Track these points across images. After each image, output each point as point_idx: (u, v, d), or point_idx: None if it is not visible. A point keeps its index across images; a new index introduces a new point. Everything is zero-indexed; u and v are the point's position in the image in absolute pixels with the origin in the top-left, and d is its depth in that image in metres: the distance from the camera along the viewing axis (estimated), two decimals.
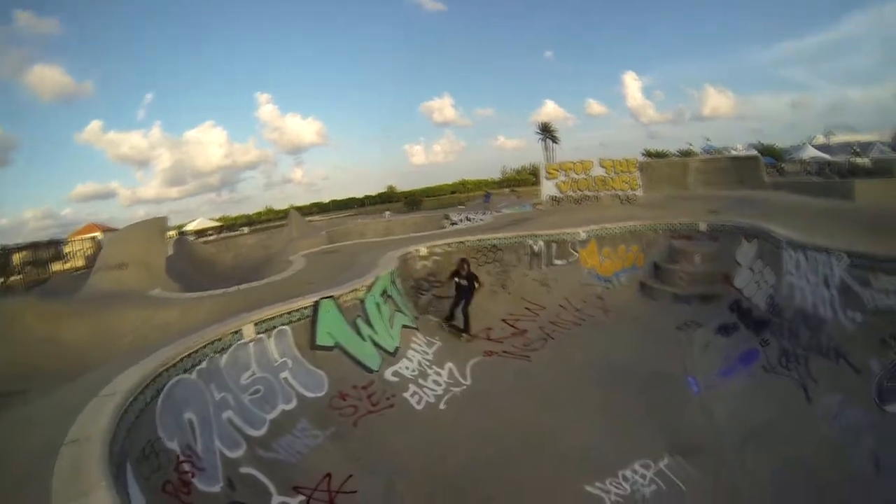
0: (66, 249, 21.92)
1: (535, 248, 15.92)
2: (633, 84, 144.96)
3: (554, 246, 15.99)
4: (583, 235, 16.16)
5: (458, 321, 14.03)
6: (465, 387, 11.30)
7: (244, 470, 7.10)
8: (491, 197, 46.64)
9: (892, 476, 7.11)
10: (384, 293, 12.32)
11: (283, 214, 44.65)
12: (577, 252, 16.13)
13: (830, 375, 9.18)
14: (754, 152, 41.00)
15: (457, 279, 14.09)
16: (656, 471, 8.50)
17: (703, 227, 15.64)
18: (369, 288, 11.91)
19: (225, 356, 8.44)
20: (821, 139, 56.99)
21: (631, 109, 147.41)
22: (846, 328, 9.41)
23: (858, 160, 37.89)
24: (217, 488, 6.55)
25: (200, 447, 6.82)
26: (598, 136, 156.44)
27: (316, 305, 10.47)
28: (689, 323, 12.64)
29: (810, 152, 47.06)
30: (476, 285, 13.95)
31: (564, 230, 16.35)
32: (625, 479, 8.39)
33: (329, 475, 7.74)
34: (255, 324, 9.27)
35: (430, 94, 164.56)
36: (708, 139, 57.60)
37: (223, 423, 7.50)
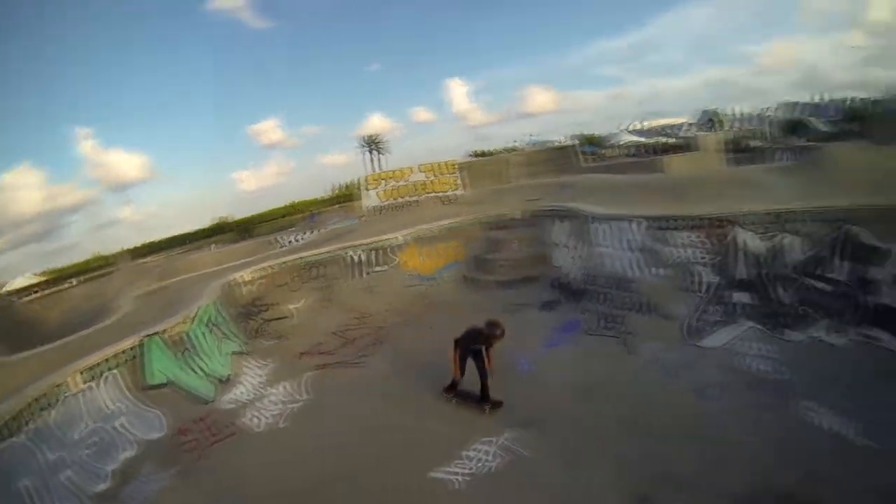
0: None
1: (356, 258, 16.69)
2: (458, 89, 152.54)
3: (374, 254, 16.87)
4: (401, 240, 17.32)
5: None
6: (302, 402, 11.88)
7: None
8: (316, 217, 46.70)
9: (712, 399, 9.25)
10: (209, 322, 13.19)
11: (115, 260, 41.91)
12: (396, 256, 17.15)
13: (646, 327, 11.32)
14: (572, 142, 44.95)
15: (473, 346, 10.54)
16: (499, 445, 9.09)
17: (518, 215, 17.34)
18: (192, 319, 12.59)
19: (53, 412, 8.62)
20: (637, 125, 63.16)
21: (457, 114, 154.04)
22: (652, 283, 11.74)
23: (668, 140, 42.91)
24: None
25: None
26: (426, 142, 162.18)
27: (141, 344, 10.93)
28: (515, 305, 14.14)
29: (627, 137, 52.81)
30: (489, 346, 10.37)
31: (383, 237, 17.74)
32: (469, 458, 8.87)
33: None
34: (81, 373, 9.52)
35: (257, 116, 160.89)
36: (531, 135, 62.02)
37: (62, 486, 7.71)
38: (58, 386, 8.96)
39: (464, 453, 9.03)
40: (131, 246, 65.58)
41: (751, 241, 10.90)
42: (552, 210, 17.08)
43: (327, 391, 12.26)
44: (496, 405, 10.13)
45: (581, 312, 12.99)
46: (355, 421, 10.85)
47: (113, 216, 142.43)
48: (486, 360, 10.24)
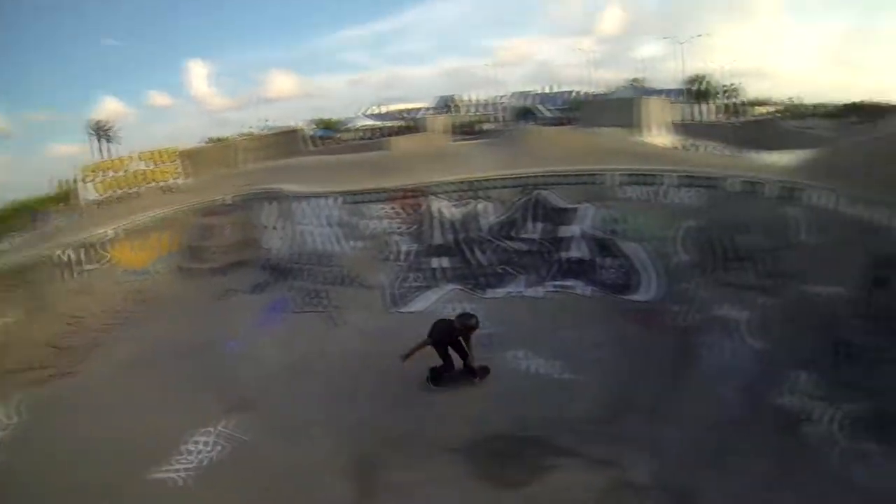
0: None
1: (65, 258, 14.78)
2: (198, 72, 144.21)
3: (84, 252, 15.12)
4: (111, 234, 15.70)
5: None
6: (12, 427, 10.10)
7: None
8: (39, 217, 41.10)
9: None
10: None
11: None
12: (108, 252, 15.52)
13: (350, 299, 12.12)
14: (298, 125, 44.67)
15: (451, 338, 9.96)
16: (217, 434, 9.08)
17: (229, 199, 16.56)
18: None
19: None
20: (375, 110, 64.39)
21: (196, 98, 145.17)
22: (352, 256, 12.73)
23: (401, 124, 44.34)
24: None
25: None
26: (164, 129, 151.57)
27: None
28: (227, 291, 14.01)
29: (363, 121, 53.60)
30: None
31: (93, 232, 15.65)
32: (189, 452, 8.74)
33: None
34: None
35: None
36: (267, 120, 60.60)
37: None
38: None
39: (182, 448, 8.86)
40: None
41: (445, 209, 12.04)
42: (262, 192, 16.72)
43: (44, 408, 10.94)
44: (484, 371, 10.24)
45: (288, 291, 13.68)
46: (76, 436, 9.88)
47: None
48: (465, 347, 10.25)
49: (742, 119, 41.75)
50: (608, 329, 10.81)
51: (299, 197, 14.33)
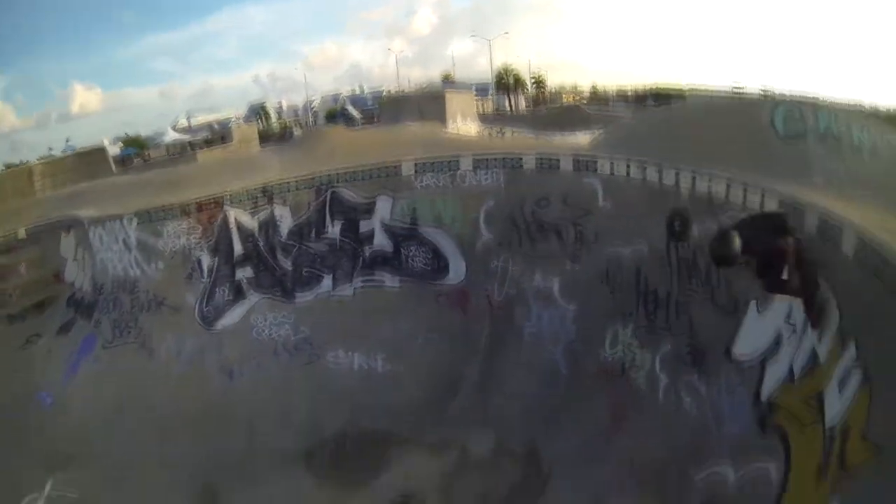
0: None
1: None
2: None
3: None
4: None
5: None
6: None
7: None
8: None
9: (242, 375, 10.67)
10: None
11: None
12: None
13: (159, 323, 11.81)
14: (103, 145, 42.17)
15: None
16: (46, 497, 8.98)
17: (21, 233, 15.47)
18: None
19: None
20: (184, 122, 61.86)
21: None
22: (156, 279, 12.29)
23: (211, 136, 43.32)
24: None
25: None
26: None
27: None
28: (31, 337, 13.39)
29: (172, 136, 51.17)
30: None
31: None
32: None
33: None
34: None
35: None
36: (68, 140, 56.39)
37: None
38: None
39: None
40: None
41: (242, 217, 12.12)
42: (56, 221, 15.76)
43: None
44: None
45: (95, 326, 13.03)
46: None
47: None
48: None
49: (549, 107, 44.54)
50: (424, 316, 11.46)
51: (94, 222, 13.55)
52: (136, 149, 54.16)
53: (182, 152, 43.22)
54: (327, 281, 12.25)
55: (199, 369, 10.69)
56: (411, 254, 12.30)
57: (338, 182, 12.53)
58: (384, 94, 62.04)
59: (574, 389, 8.92)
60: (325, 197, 12.53)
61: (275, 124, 47.67)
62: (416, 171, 12.46)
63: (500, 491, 8.10)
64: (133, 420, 10.05)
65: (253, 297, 12.07)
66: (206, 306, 11.94)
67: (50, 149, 67.71)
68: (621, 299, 9.32)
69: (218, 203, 12.27)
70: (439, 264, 12.06)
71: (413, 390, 9.99)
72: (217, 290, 12.10)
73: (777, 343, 6.47)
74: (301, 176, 12.36)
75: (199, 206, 12.25)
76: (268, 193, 12.47)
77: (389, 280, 12.19)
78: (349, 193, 12.51)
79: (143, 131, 77.52)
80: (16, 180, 28.43)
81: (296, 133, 40.65)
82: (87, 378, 11.81)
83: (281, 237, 12.45)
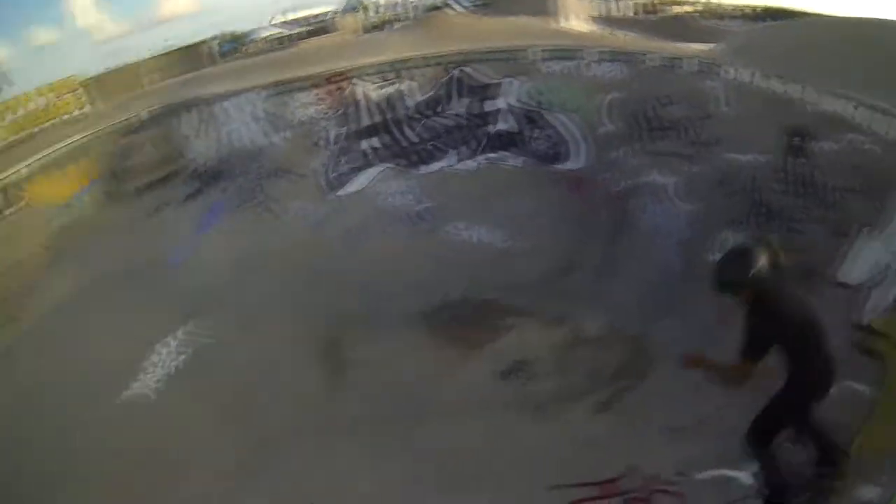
0: None
1: None
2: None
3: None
4: (25, 172, 14.72)
5: None
6: None
7: None
8: None
9: (367, 239, 10.56)
10: None
11: None
12: (24, 192, 14.69)
13: (285, 190, 11.96)
14: (204, 40, 42.58)
15: None
16: (180, 339, 9.18)
17: (144, 115, 15.74)
18: None
19: None
20: (280, 18, 61.62)
21: (84, 29, 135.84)
22: (282, 147, 12.40)
23: (309, 28, 42.87)
24: None
25: None
26: (52, 70, 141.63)
27: None
28: (159, 206, 13.28)
29: (268, 31, 50.86)
30: None
31: (4, 175, 14.76)
32: (154, 364, 8.81)
33: None
34: None
35: None
36: (167, 40, 57.08)
37: None
38: None
39: (146, 363, 8.84)
40: None
41: (371, 91, 11.62)
42: (178, 103, 15.97)
43: None
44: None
45: (222, 193, 13.27)
46: (32, 376, 9.50)
47: None
48: None
49: (659, 15, 42.08)
50: (543, 197, 11.25)
51: (220, 98, 13.78)
52: (235, 43, 54.86)
53: (281, 45, 43.28)
54: (452, 155, 12.08)
55: (324, 232, 10.78)
56: (535, 136, 12.02)
57: (465, 62, 12.20)
58: None
59: (685, 285, 8.63)
60: (453, 75, 12.26)
61: (373, 18, 47.37)
62: (541, 57, 12.10)
63: (608, 369, 7.94)
64: (260, 276, 10.20)
65: (378, 167, 11.98)
66: (332, 173, 11.94)
67: (149, 51, 69.29)
68: (734, 207, 8.95)
69: (346, 77, 12.11)
70: (561, 149, 11.77)
71: (530, 267, 9.79)
72: (343, 158, 12.07)
73: (885, 271, 6.10)
74: (429, 54, 12.05)
75: (328, 79, 12.13)
76: (395, 69, 12.23)
77: (512, 159, 11.99)
78: (476, 73, 12.24)
79: (236, 27, 78.79)
80: (125, 77, 29.26)
81: (395, 27, 39.89)
82: (217, 238, 12.09)
83: (407, 111, 12.29)
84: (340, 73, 12.14)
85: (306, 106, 12.22)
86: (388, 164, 11.98)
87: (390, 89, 12.26)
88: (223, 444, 7.22)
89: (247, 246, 11.28)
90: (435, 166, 11.96)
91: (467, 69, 12.18)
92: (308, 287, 9.55)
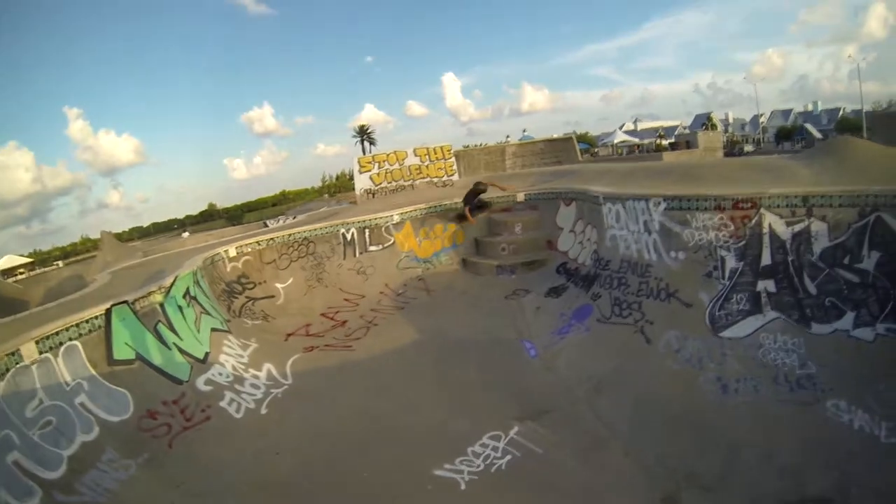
0: None
1: (348, 236, 15.86)
2: (452, 84, 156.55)
3: (367, 232, 16.02)
4: (396, 218, 17.06)
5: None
6: (286, 386, 11.57)
7: None
8: None
9: (736, 394, 8.76)
10: (186, 294, 12.45)
11: (100, 241, 40.86)
12: (392, 236, 16.11)
13: (664, 314, 10.79)
14: (568, 135, 44.28)
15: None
16: (508, 440, 8.67)
17: (520, 197, 16.59)
18: (168, 289, 11.68)
19: (2, 384, 7.57)
20: (630, 126, 62.68)
21: (450, 109, 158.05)
22: (671, 268, 11.19)
23: (663, 141, 42.26)
24: None
25: None
26: (419, 137, 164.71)
27: (108, 314, 9.73)
28: (518, 291, 14.59)
29: (620, 137, 52.17)
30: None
31: (377, 215, 16.79)
32: (476, 455, 8.41)
33: None
34: (37, 342, 8.38)
35: (250, 103, 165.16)
36: (524, 130, 61.65)
37: (9, 469, 6.79)
38: (10, 355, 7.91)
39: (470, 449, 8.53)
40: (119, 231, 64.24)
41: (777, 225, 10.45)
42: (557, 192, 16.44)
43: (316, 375, 12.03)
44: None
45: (592, 298, 12.86)
46: (348, 408, 10.45)
47: (101, 200, 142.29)
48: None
49: None
50: None
51: (611, 198, 13.29)
52: (587, 145, 56.83)
53: (632, 152, 43.56)
54: (849, 318, 9.41)
55: (694, 372, 9.22)
56: None
57: (884, 206, 10.08)
58: (840, 112, 55.07)
59: None
60: (868, 220, 10.14)
61: (722, 137, 45.51)
62: None
63: None
64: (612, 398, 9.34)
65: (769, 314, 10.07)
66: (720, 310, 10.39)
67: (507, 137, 74.73)
68: None
69: (754, 203, 10.50)
70: None
71: None
72: (735, 296, 10.42)
73: None
74: (846, 191, 10.34)
75: (735, 203, 10.64)
76: (808, 204, 10.33)
77: None
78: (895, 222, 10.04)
79: (587, 131, 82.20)
80: (490, 156, 31.66)
81: (746, 149, 37.80)
82: (576, 344, 11.57)
83: (812, 256, 10.08)
84: (749, 199, 10.44)
85: (707, 229, 10.85)
86: (780, 314, 10.04)
87: (799, 227, 10.23)
88: None
89: (604, 363, 10.54)
90: (828, 328, 9.58)
91: (885, 216, 9.94)
92: (657, 427, 8.37)
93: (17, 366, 7.88)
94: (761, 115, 67.12)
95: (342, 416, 10.01)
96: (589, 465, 7.92)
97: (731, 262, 10.59)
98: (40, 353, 8.30)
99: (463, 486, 7.69)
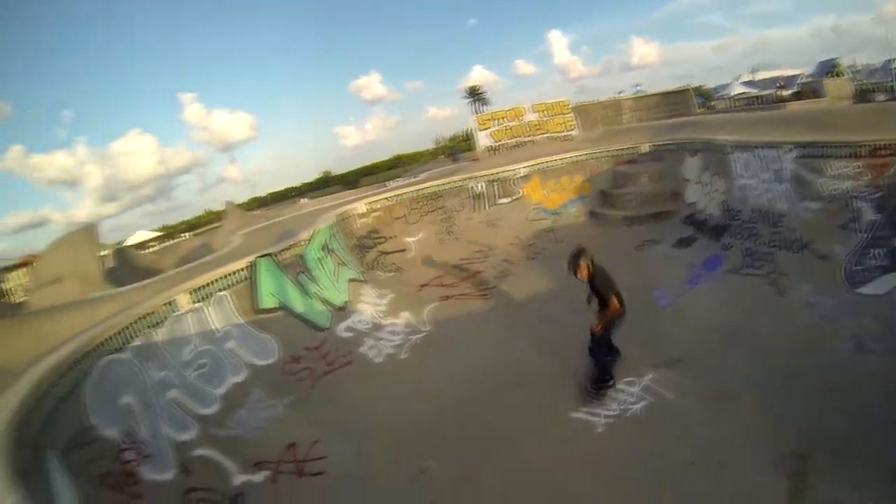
0: (5, 287, 19.80)
1: (477, 189, 16.11)
2: (559, 41, 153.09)
3: (496, 185, 16.38)
4: (524, 172, 16.76)
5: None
6: (424, 333, 12.13)
7: (198, 452, 7.27)
8: (457, 154, 43.23)
9: (872, 353, 8.14)
10: (324, 247, 13.34)
11: (224, 212, 43.25)
12: (519, 189, 16.38)
13: (798, 266, 10.48)
14: (684, 87, 42.28)
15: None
16: (643, 386, 8.92)
17: (645, 148, 16.37)
18: (308, 241, 12.58)
19: (160, 331, 8.56)
20: (747, 76, 59.07)
21: (559, 66, 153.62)
22: (805, 218, 10.70)
23: (784, 92, 39.60)
24: (169, 475, 6.68)
25: (145, 432, 6.95)
26: (528, 95, 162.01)
27: (253, 266, 10.76)
28: (646, 242, 14.76)
29: (738, 89, 49.41)
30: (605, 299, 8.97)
31: (505, 168, 16.84)
32: (612, 399, 8.68)
33: (293, 445, 8.01)
34: (190, 293, 9.46)
35: (357, 71, 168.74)
36: (638, 84, 59.19)
37: (168, 405, 7.68)
38: (166, 304, 8.95)
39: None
40: (239, 202, 66.99)
41: None
42: (682, 143, 15.92)
43: (452, 323, 12.47)
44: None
45: (722, 249, 12.72)
46: (484, 355, 10.79)
47: (220, 175, 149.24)
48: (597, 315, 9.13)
49: None
50: None
51: (739, 147, 12.80)
52: (703, 98, 54.11)
53: (751, 104, 41.30)
54: None
55: (828, 329, 8.91)
56: None
57: None
58: None
59: None
60: None
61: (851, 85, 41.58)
62: None
63: None
64: (744, 350, 9.19)
65: None
66: (856, 265, 9.67)
67: (619, 92, 72.15)
68: None
69: (895, 151, 9.50)
70: None
71: None
72: (872, 251, 9.58)
73: None
74: None
75: (873, 151, 9.75)
76: None
77: None
78: None
79: (700, 83, 77.84)
80: (606, 110, 31.17)
81: (878, 98, 34.84)
82: (707, 295, 11.42)
83: None
84: (889, 146, 9.55)
85: (842, 178, 10.11)
86: None
87: None
88: None
89: (735, 315, 10.35)
90: None
91: None
92: (788, 383, 8.10)
93: (174, 315, 8.93)
94: (894, 59, 60.80)
95: (479, 362, 10.56)
96: (719, 415, 7.89)
97: (868, 214, 9.81)
98: (193, 302, 9.40)
99: (599, 429, 7.97)
